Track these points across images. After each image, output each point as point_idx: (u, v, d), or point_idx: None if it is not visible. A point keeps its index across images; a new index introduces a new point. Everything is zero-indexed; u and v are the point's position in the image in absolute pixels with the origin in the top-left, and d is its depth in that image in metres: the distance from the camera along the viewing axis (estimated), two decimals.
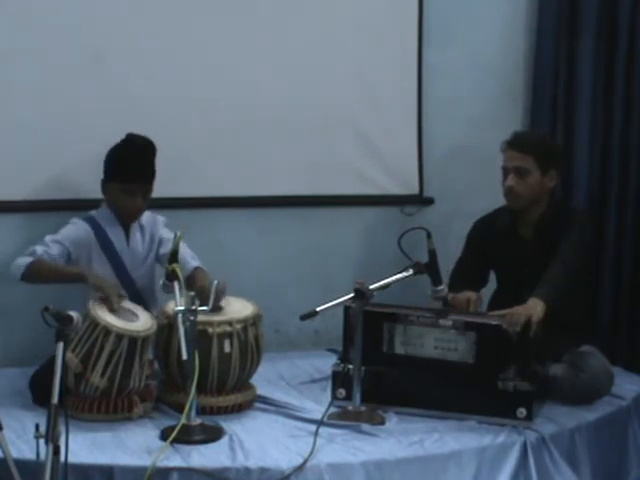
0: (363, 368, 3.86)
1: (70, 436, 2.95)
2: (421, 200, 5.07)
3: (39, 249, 4.04)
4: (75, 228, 4.16)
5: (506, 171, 4.24)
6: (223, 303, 3.95)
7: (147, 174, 4.15)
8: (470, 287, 4.29)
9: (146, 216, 4.28)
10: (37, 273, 4.00)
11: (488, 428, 3.79)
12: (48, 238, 4.09)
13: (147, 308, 4.04)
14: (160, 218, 4.32)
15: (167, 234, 4.23)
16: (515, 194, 4.22)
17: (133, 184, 4.11)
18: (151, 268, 4.28)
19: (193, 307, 3.64)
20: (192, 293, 3.69)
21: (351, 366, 3.88)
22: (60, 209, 4.37)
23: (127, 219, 4.20)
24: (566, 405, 4.03)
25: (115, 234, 4.20)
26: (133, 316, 3.86)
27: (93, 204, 4.27)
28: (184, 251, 4.12)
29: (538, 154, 4.22)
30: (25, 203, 4.41)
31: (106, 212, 4.20)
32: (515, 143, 4.25)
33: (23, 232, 4.33)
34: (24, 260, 4.02)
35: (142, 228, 4.26)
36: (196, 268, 4.18)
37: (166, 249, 4.06)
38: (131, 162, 4.11)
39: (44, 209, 4.40)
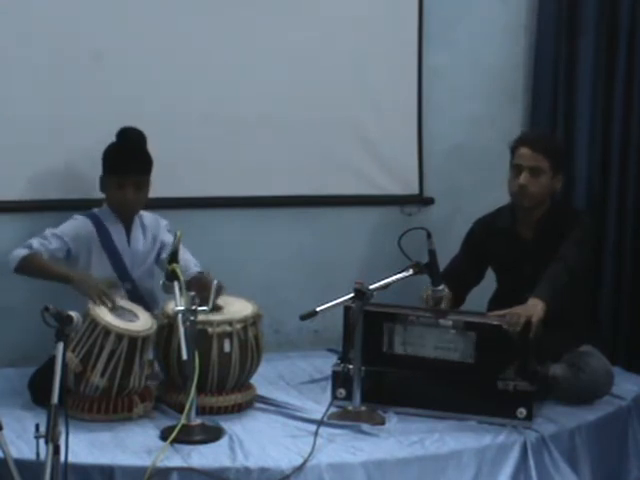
0: (363, 368, 3.86)
1: (70, 436, 2.95)
2: (421, 200, 5.06)
3: (36, 242, 4.04)
4: (76, 224, 4.16)
5: (519, 169, 4.22)
6: (221, 302, 3.94)
7: (135, 165, 4.12)
8: (461, 285, 4.30)
9: (149, 218, 4.28)
10: (29, 268, 4.02)
11: (488, 428, 3.79)
12: (48, 232, 4.10)
13: (147, 308, 4.04)
14: (163, 222, 4.30)
15: (170, 240, 4.20)
16: (527, 192, 4.20)
17: (122, 176, 4.09)
18: (151, 268, 4.27)
19: (193, 307, 3.64)
20: (192, 293, 3.69)
21: (351, 366, 3.88)
22: (58, 209, 4.35)
23: (123, 214, 4.18)
24: (566, 405, 4.02)
25: (116, 232, 4.19)
26: (133, 316, 3.86)
27: (92, 204, 4.26)
28: (187, 257, 4.12)
29: (553, 156, 4.22)
30: (22, 203, 4.40)
31: (107, 210, 4.20)
32: (533, 143, 4.23)
33: (21, 232, 4.32)
34: (20, 252, 4.03)
35: (144, 228, 4.25)
36: (199, 273, 4.17)
37: (167, 254, 4.02)
38: (118, 154, 4.11)
39: (41, 209, 4.39)
